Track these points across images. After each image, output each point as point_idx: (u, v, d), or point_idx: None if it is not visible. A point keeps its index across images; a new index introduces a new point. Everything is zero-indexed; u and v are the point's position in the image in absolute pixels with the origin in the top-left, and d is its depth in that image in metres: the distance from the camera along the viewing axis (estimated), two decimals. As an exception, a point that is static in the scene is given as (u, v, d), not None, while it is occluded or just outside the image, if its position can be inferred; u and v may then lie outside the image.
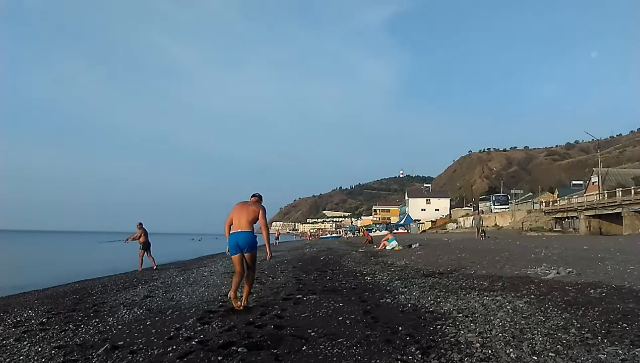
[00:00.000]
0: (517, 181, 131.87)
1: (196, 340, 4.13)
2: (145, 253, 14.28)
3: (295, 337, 4.09)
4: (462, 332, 4.05)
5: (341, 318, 4.84)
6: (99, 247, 36.86)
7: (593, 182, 46.56)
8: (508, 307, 4.98)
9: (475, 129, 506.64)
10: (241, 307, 5.73)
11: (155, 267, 14.17)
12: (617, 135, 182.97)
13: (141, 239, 14.27)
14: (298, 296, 6.50)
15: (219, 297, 6.92)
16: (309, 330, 4.33)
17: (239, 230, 5.85)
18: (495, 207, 61.14)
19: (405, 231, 61.49)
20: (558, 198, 46.89)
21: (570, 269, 7.71)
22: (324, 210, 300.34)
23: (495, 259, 10.79)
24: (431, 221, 73.94)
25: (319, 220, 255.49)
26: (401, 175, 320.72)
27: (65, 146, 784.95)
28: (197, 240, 70.07)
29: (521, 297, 5.52)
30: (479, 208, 47.23)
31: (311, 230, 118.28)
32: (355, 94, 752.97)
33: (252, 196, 6.32)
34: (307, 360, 3.47)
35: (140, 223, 14.55)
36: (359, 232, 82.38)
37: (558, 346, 3.49)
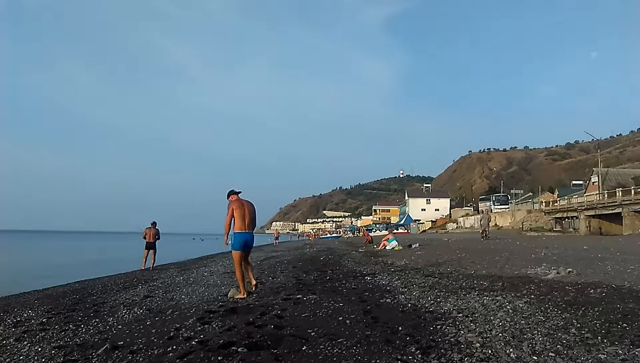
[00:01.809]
0: (517, 181, 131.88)
1: (196, 340, 4.12)
2: (149, 252, 14.30)
3: (295, 337, 4.08)
4: (462, 332, 4.05)
5: (341, 318, 4.84)
6: (129, 234, 37.82)
7: (593, 182, 46.56)
8: (508, 307, 4.98)
9: (475, 129, 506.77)
10: (254, 289, 6.78)
11: (150, 268, 14.15)
12: (617, 135, 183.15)
13: (146, 238, 14.31)
14: (298, 296, 6.50)
15: (219, 297, 6.91)
16: (309, 330, 4.33)
17: (247, 231, 6.57)
18: (495, 207, 61.09)
19: (405, 231, 61.46)
20: (558, 198, 46.85)
21: (570, 269, 7.72)
22: (324, 210, 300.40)
23: (495, 259, 10.80)
24: (431, 221, 73.94)
25: (319, 220, 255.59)
26: (401, 175, 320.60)
27: (65, 146, 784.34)
28: (199, 239, 70.02)
29: (521, 297, 5.52)
30: (488, 208, 46.61)
31: (311, 230, 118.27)
32: (355, 93, 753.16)
33: (234, 193, 6.70)
34: (307, 360, 3.47)
35: (152, 223, 14.53)
36: (359, 232, 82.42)
37: (558, 346, 3.49)
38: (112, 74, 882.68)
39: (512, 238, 24.47)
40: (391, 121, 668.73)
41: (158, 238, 14.46)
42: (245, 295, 6.59)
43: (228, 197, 6.70)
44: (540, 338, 3.70)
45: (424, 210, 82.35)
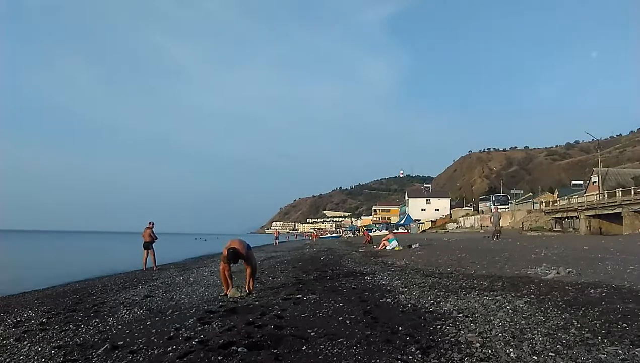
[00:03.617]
0: (517, 181, 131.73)
1: (196, 340, 4.13)
2: (147, 253, 14.31)
3: (295, 337, 4.09)
4: (462, 332, 4.05)
5: (341, 318, 4.84)
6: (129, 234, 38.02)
7: (593, 182, 46.57)
8: (508, 307, 4.98)
9: (475, 129, 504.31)
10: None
11: (153, 267, 14.16)
12: (617, 135, 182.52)
13: (145, 238, 14.32)
14: (298, 296, 6.50)
15: (219, 297, 6.92)
16: (309, 330, 4.33)
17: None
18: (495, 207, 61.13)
19: (405, 231, 61.44)
20: (558, 198, 46.85)
21: (570, 269, 7.71)
22: (324, 210, 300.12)
23: (495, 259, 10.80)
24: (431, 221, 73.94)
25: (319, 220, 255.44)
26: (401, 175, 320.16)
27: (65, 146, 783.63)
28: (202, 240, 69.81)
29: (521, 297, 5.52)
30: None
31: (313, 230, 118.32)
32: (355, 93, 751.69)
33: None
34: (307, 360, 3.47)
35: (149, 223, 14.53)
36: (359, 232, 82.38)
37: (558, 346, 3.49)
38: (112, 73, 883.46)
39: (512, 238, 24.46)
40: (391, 121, 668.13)
41: (155, 238, 14.45)
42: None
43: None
44: (540, 338, 3.70)
45: (424, 210, 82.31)
